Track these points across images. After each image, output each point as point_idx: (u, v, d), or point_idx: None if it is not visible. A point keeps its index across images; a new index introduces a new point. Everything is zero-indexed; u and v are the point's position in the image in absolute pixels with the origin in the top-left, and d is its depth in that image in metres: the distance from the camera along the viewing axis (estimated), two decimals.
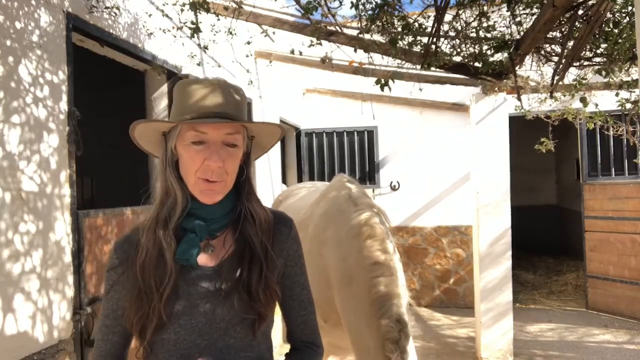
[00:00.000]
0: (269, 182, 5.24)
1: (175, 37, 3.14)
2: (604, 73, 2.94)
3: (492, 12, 2.90)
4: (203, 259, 1.09)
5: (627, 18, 2.60)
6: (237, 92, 1.10)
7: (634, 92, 3.47)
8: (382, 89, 2.78)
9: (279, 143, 5.69)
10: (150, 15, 3.06)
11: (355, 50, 3.04)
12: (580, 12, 2.41)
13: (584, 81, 3.44)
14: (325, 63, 3.12)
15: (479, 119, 4.63)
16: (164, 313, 1.01)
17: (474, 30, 2.87)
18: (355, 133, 6.71)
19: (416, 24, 2.68)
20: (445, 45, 3.03)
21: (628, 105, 3.41)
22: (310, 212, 2.34)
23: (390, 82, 2.85)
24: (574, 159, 7.83)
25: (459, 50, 2.98)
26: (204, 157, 1.02)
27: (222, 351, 1.04)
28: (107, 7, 2.60)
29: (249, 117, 4.48)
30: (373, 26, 2.64)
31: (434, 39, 2.68)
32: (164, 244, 1.04)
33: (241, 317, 1.06)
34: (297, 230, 1.23)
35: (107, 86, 3.83)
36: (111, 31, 2.68)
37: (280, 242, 1.16)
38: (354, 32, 3.31)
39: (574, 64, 3.01)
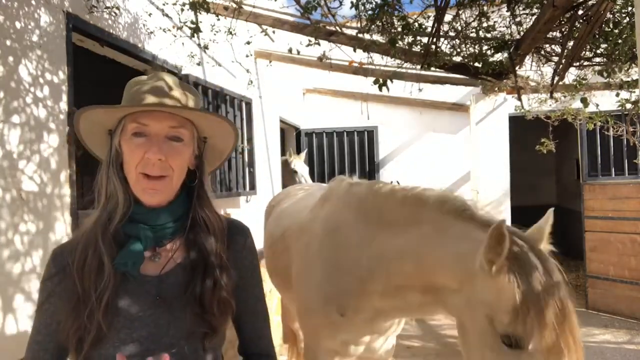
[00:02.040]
0: (269, 182, 5.24)
1: (175, 37, 3.14)
2: (604, 74, 2.94)
3: (492, 12, 2.90)
4: (148, 268, 1.00)
5: (627, 18, 2.60)
6: (188, 90, 1.05)
7: (634, 92, 3.47)
8: (380, 88, 2.78)
9: (278, 143, 5.72)
10: (150, 15, 3.06)
11: (354, 50, 3.04)
12: (580, 12, 2.42)
13: (584, 81, 3.44)
14: (324, 62, 3.12)
15: (479, 119, 4.63)
16: (103, 324, 0.92)
17: (474, 30, 2.87)
18: (355, 133, 6.71)
19: (416, 24, 2.68)
20: (445, 45, 3.03)
21: (628, 106, 3.41)
22: (313, 216, 2.32)
23: (389, 82, 2.85)
24: (574, 159, 7.83)
25: (459, 50, 2.98)
26: (144, 150, 0.95)
27: None
28: (107, 7, 2.60)
29: (249, 118, 4.48)
30: (373, 26, 2.64)
31: (434, 39, 2.68)
32: (102, 248, 0.96)
33: (190, 330, 0.98)
34: (253, 240, 1.17)
35: (107, 86, 3.82)
36: (111, 31, 2.68)
37: (235, 252, 1.10)
38: (354, 32, 3.31)
39: (574, 64, 3.01)
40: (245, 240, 1.14)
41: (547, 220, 1.48)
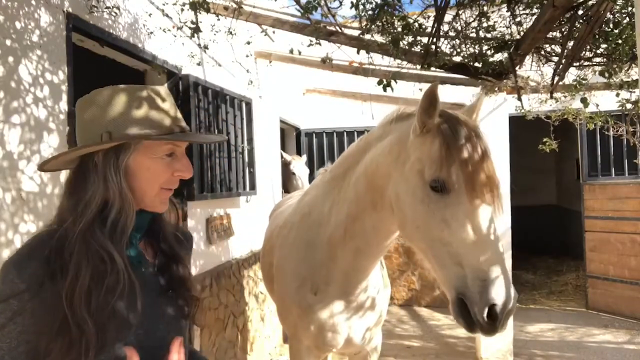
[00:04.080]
0: (269, 182, 5.24)
1: (175, 37, 3.14)
2: (605, 74, 2.93)
3: (492, 12, 2.90)
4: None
5: (627, 18, 2.60)
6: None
7: (634, 92, 3.46)
8: (384, 89, 2.78)
9: (278, 143, 5.72)
10: (150, 15, 3.06)
11: (358, 52, 3.04)
12: (580, 12, 2.42)
13: (584, 81, 3.44)
14: (326, 63, 3.12)
15: (479, 119, 4.62)
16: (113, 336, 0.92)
17: (474, 30, 2.87)
18: (355, 133, 6.70)
19: (416, 24, 2.68)
20: (445, 46, 3.03)
21: (628, 106, 3.41)
22: (293, 210, 2.41)
23: (392, 82, 2.85)
24: (574, 159, 7.83)
25: (459, 50, 2.97)
26: (175, 168, 1.05)
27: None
28: (107, 7, 2.60)
29: (249, 118, 4.48)
30: (373, 26, 2.63)
31: (434, 39, 2.68)
32: (120, 260, 0.94)
33: (177, 323, 1.08)
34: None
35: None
36: (111, 31, 2.68)
37: (185, 249, 1.20)
38: (354, 32, 3.31)
39: (574, 64, 3.01)
40: (191, 241, 1.26)
41: (479, 100, 1.71)
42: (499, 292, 1.26)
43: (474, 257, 1.32)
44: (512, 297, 1.28)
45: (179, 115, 1.08)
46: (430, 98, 1.45)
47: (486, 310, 1.26)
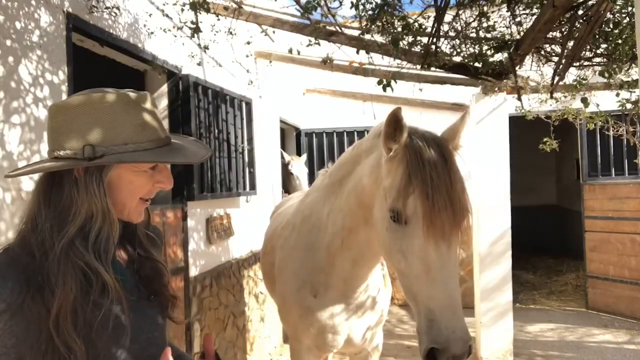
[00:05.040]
0: (269, 182, 5.24)
1: (175, 37, 3.14)
2: (606, 74, 2.94)
3: (492, 12, 2.90)
4: None
5: (627, 18, 2.60)
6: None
7: (634, 92, 3.46)
8: (384, 89, 2.78)
9: (278, 143, 5.71)
10: (150, 15, 3.06)
11: (357, 52, 3.04)
12: (580, 12, 2.42)
13: (584, 81, 3.44)
14: (326, 64, 3.12)
15: (479, 119, 4.62)
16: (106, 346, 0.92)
17: (474, 30, 2.87)
18: (355, 133, 6.70)
19: (416, 24, 2.68)
20: (445, 46, 3.03)
21: (628, 106, 3.41)
22: (295, 210, 2.40)
23: (392, 82, 2.85)
24: (574, 159, 7.83)
25: (459, 50, 2.97)
26: (156, 179, 1.03)
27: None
28: (107, 7, 2.60)
29: (249, 118, 4.48)
30: (373, 26, 2.63)
31: (434, 39, 2.68)
32: (108, 276, 0.92)
33: (162, 322, 1.09)
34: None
35: (107, 86, 3.80)
36: (111, 31, 2.68)
37: (158, 246, 1.20)
38: (354, 32, 3.31)
39: (574, 64, 3.01)
40: (162, 236, 1.25)
41: (463, 120, 1.56)
42: (443, 334, 1.23)
43: (426, 294, 1.29)
44: (454, 341, 1.22)
45: (161, 120, 1.05)
46: (394, 124, 1.37)
47: (426, 351, 1.24)
